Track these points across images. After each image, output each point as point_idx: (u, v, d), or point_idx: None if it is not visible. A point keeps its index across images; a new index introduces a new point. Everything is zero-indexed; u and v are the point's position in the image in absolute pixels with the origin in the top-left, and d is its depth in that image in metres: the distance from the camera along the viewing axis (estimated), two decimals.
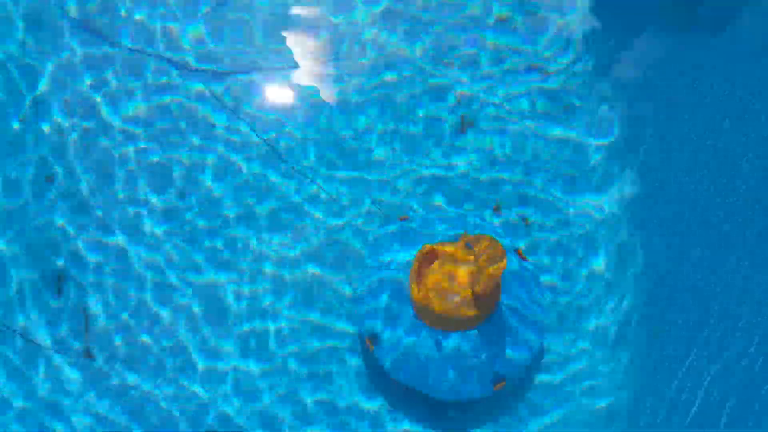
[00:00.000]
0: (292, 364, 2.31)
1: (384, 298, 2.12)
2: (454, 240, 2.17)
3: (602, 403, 2.32)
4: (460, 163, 2.64)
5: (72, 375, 2.25)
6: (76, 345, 2.30)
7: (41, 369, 2.26)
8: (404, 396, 2.19)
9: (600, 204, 2.61)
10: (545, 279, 2.40)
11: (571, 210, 2.60)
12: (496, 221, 2.55)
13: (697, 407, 2.30)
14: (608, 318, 2.43)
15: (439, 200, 2.58)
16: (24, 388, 2.22)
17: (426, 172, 2.63)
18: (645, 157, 2.70)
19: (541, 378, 2.27)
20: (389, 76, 2.78)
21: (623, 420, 2.32)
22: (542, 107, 2.75)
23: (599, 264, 2.52)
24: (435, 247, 2.11)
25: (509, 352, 2.04)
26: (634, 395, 2.34)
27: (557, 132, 2.71)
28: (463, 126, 2.72)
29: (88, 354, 2.30)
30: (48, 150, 2.56)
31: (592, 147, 2.70)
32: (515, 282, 2.16)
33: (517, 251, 2.33)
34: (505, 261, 1.95)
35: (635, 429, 2.32)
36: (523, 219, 2.55)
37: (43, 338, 2.28)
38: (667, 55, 2.87)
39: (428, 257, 2.11)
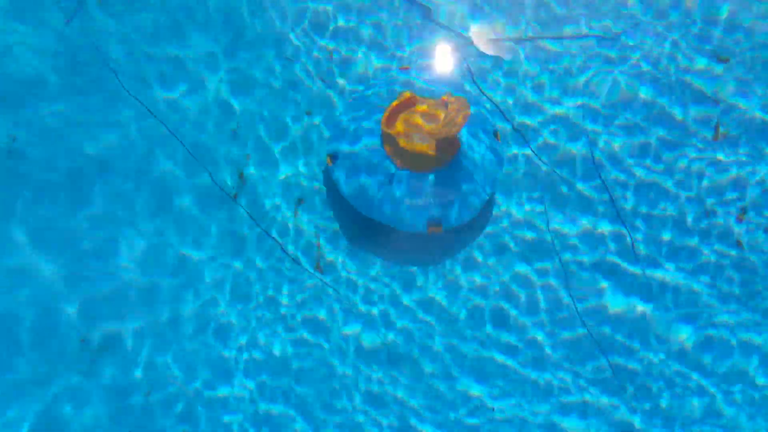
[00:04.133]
0: None
1: (357, 125, 2.33)
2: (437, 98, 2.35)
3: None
4: None
5: None
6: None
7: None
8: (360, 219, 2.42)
9: None
10: None
11: None
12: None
13: None
14: None
15: None
16: None
17: None
18: None
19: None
20: None
21: None
22: None
23: None
24: (416, 96, 2.30)
25: (452, 206, 2.22)
26: None
27: None
28: None
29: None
30: None
31: None
32: (479, 152, 2.33)
33: (495, 133, 2.49)
34: (468, 113, 2.12)
35: None
36: None
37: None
38: None
39: (407, 102, 2.30)
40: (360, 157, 2.23)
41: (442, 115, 2.20)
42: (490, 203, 2.46)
